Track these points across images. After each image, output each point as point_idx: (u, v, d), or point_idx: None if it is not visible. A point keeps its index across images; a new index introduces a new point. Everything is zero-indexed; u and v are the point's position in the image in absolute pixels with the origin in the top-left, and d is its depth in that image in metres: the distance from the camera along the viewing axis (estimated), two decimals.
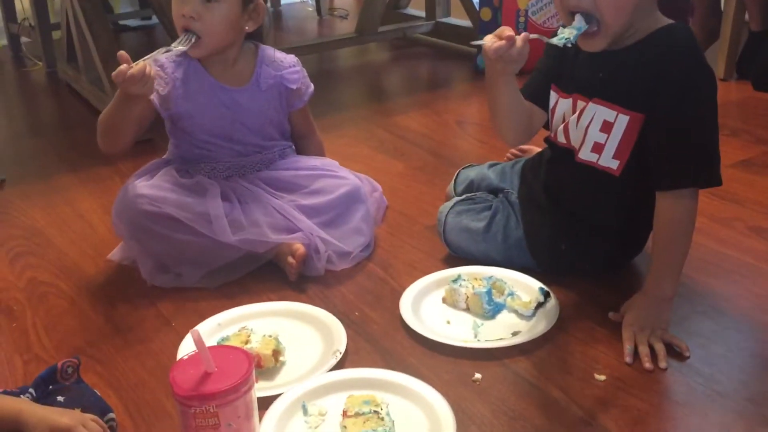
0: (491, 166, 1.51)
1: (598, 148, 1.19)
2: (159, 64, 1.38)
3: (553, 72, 1.26)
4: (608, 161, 1.19)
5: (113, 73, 1.24)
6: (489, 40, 1.10)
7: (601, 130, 1.18)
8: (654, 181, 1.14)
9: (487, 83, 1.22)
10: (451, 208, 1.39)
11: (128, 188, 1.35)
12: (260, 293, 1.32)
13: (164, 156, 1.49)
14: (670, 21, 1.14)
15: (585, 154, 1.21)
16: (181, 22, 1.35)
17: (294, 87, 1.47)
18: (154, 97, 1.37)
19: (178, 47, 1.33)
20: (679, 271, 1.15)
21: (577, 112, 1.20)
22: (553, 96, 1.25)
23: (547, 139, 1.31)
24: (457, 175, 1.56)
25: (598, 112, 1.17)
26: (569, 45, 1.12)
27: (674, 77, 1.09)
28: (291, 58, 1.49)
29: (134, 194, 1.32)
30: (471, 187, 1.50)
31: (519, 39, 1.10)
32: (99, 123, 1.37)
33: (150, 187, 1.34)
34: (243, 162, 1.46)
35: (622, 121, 1.15)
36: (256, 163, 1.47)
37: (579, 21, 1.10)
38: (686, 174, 1.12)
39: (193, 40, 1.34)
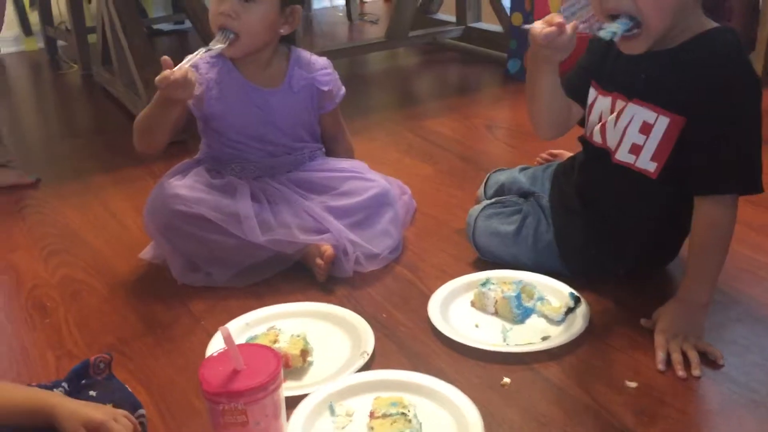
0: (522, 169, 1.50)
1: (636, 149, 1.18)
2: (193, 64, 1.39)
3: (594, 68, 1.25)
4: (646, 163, 1.17)
5: (157, 78, 1.25)
6: (539, 26, 1.12)
7: (641, 131, 1.16)
8: (693, 185, 1.13)
9: (529, 71, 1.23)
10: (480, 212, 1.38)
11: (162, 187, 1.37)
12: (288, 294, 1.32)
13: (196, 156, 1.50)
14: (716, 24, 1.12)
15: (622, 155, 1.20)
16: (218, 21, 1.36)
17: (326, 89, 1.47)
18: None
19: (216, 45, 1.35)
20: (715, 278, 1.13)
21: (616, 112, 1.19)
22: (592, 93, 1.24)
23: (581, 138, 1.30)
24: (488, 178, 1.55)
25: (637, 113, 1.16)
26: (615, 39, 1.11)
27: (718, 82, 1.08)
28: (323, 61, 1.50)
29: (168, 194, 1.34)
30: (501, 190, 1.49)
31: (569, 27, 1.11)
32: (135, 125, 1.39)
33: (182, 187, 1.35)
34: (273, 162, 1.46)
35: (662, 123, 1.14)
36: (286, 164, 1.47)
37: (624, 18, 1.10)
38: (725, 180, 1.11)
39: (231, 37, 1.35)
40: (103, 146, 2.21)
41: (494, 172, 1.55)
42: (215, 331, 1.18)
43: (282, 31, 1.42)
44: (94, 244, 1.57)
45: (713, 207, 1.11)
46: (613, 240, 1.25)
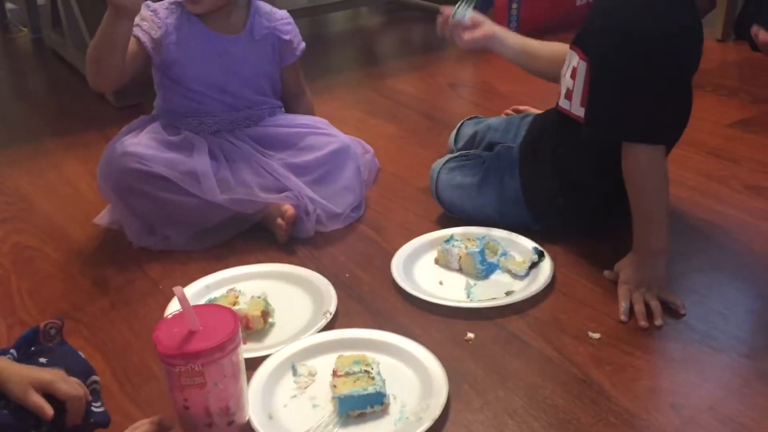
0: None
1: (569, 94, 1.19)
2: (152, 9, 1.35)
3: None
4: (577, 109, 1.18)
5: None
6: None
7: (571, 76, 1.18)
8: (591, 129, 1.13)
9: None
10: (443, 165, 1.37)
11: (114, 147, 1.32)
12: (249, 255, 1.30)
13: (152, 113, 1.45)
14: None
15: (562, 101, 1.21)
16: None
17: (287, 38, 1.44)
18: (146, 40, 1.34)
19: None
20: (663, 225, 1.10)
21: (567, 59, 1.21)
22: None
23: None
24: (460, 127, 1.52)
25: (571, 57, 1.19)
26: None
27: (623, 30, 1.07)
28: (283, 12, 1.48)
29: (121, 152, 1.29)
30: (472, 142, 1.48)
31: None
32: (88, 55, 1.30)
33: (137, 144, 1.31)
34: (232, 117, 1.43)
35: (582, 68, 1.15)
36: (245, 118, 1.44)
37: None
38: (615, 126, 1.10)
39: None
40: (55, 110, 2.14)
41: (467, 121, 1.53)
42: (173, 294, 1.14)
43: None
44: (47, 210, 1.52)
45: (630, 156, 1.10)
46: (577, 190, 1.24)
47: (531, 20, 2.51)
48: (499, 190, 1.31)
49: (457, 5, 1.31)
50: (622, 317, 1.07)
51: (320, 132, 1.42)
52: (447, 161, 1.37)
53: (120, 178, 1.30)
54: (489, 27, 1.33)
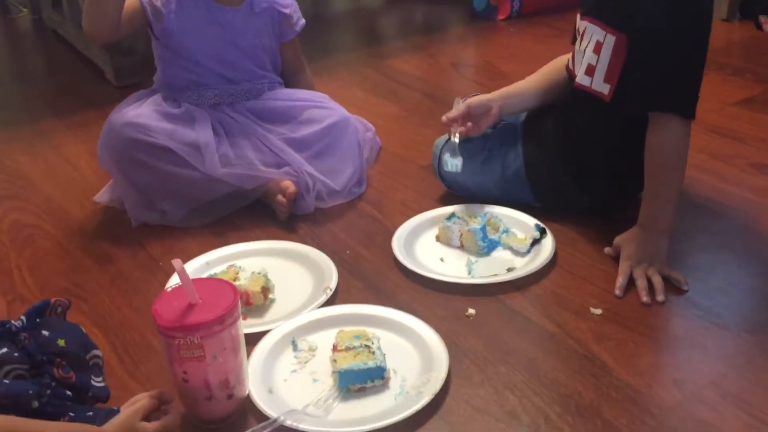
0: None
1: (590, 70, 1.16)
2: None
3: None
4: (600, 85, 1.15)
5: None
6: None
7: (594, 51, 1.15)
8: (628, 104, 1.11)
9: None
10: (447, 142, 1.35)
11: (116, 117, 1.31)
12: (249, 231, 1.29)
13: (151, 87, 1.44)
14: None
15: (580, 78, 1.18)
16: None
17: (286, 11, 1.44)
18: (147, 5, 1.33)
19: None
20: (674, 204, 1.10)
21: (581, 33, 1.18)
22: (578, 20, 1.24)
23: (567, 66, 1.28)
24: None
25: (592, 32, 1.15)
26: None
27: (661, 4, 1.05)
28: None
29: (122, 123, 1.28)
30: None
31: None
32: (84, 4, 1.29)
33: (138, 115, 1.30)
34: (232, 90, 1.42)
35: (609, 42, 1.12)
36: (244, 92, 1.43)
37: None
38: (657, 98, 1.08)
39: None
40: (55, 90, 2.12)
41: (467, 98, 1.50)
42: (173, 270, 1.14)
43: None
44: (46, 188, 1.51)
45: (660, 130, 1.08)
46: (582, 168, 1.23)
47: (533, 1, 2.48)
48: (502, 167, 1.30)
49: (444, 147, 1.32)
50: (617, 292, 1.07)
51: (319, 105, 1.42)
52: (447, 142, 1.36)
53: (121, 148, 1.29)
54: (494, 110, 1.28)
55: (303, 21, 1.49)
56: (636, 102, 1.10)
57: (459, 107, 1.30)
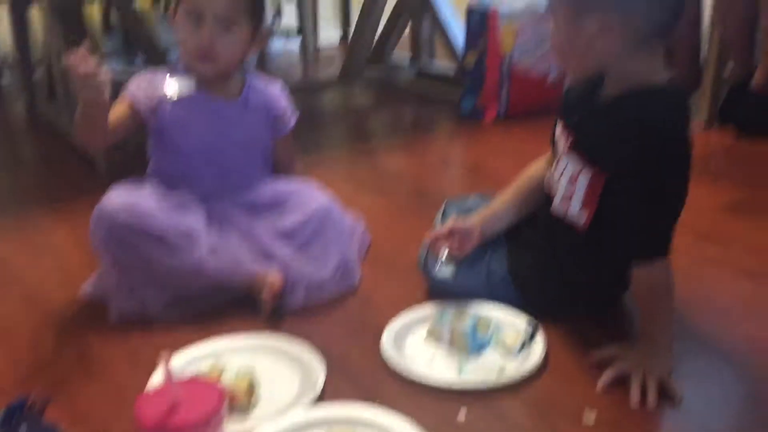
0: (484, 197, 1.48)
1: (566, 200, 1.17)
2: (150, 73, 1.38)
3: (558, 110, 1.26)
4: (576, 215, 1.15)
5: (66, 62, 1.16)
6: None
7: (570, 181, 1.15)
8: (606, 246, 1.13)
9: None
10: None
11: (109, 198, 1.30)
12: (234, 326, 1.26)
13: (144, 176, 1.45)
14: (663, 76, 1.09)
15: (556, 205, 1.19)
16: (195, 51, 1.35)
17: (281, 108, 1.48)
18: (142, 104, 1.36)
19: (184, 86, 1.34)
20: (669, 323, 1.10)
21: (557, 159, 1.20)
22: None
23: (545, 183, 1.29)
24: (445, 206, 1.52)
25: (568, 161, 1.15)
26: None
27: (641, 151, 1.05)
28: (277, 84, 1.52)
29: (115, 204, 1.28)
30: None
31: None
32: (75, 116, 1.31)
33: (132, 197, 1.30)
34: (223, 184, 1.43)
35: (585, 175, 1.12)
36: (235, 186, 1.44)
37: None
38: (637, 249, 1.10)
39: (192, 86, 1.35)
40: (46, 179, 2.13)
41: (450, 200, 1.52)
42: (155, 367, 1.11)
43: (252, 52, 1.44)
44: (30, 277, 1.49)
45: (643, 270, 1.10)
46: (566, 275, 1.23)
47: (519, 104, 2.56)
48: (488, 272, 1.30)
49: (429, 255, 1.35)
50: (598, 387, 1.05)
51: (304, 191, 1.43)
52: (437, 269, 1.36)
53: (111, 229, 1.27)
54: (475, 234, 1.30)
55: (295, 117, 1.53)
56: (615, 250, 1.12)
57: (442, 226, 1.32)
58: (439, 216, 1.51)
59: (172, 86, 1.37)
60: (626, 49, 1.07)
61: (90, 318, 1.32)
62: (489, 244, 1.32)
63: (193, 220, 1.31)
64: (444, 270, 1.31)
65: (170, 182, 1.40)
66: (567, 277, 1.23)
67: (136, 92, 1.37)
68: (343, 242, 1.40)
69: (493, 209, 1.33)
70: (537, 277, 1.26)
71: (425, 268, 1.36)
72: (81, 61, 1.15)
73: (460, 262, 1.31)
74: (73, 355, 1.21)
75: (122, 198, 1.29)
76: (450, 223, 1.31)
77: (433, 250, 1.33)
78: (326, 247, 1.37)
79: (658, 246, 1.09)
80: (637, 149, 1.05)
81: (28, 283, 1.47)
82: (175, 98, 1.35)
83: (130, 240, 1.27)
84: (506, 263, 1.29)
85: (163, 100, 1.38)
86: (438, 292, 1.35)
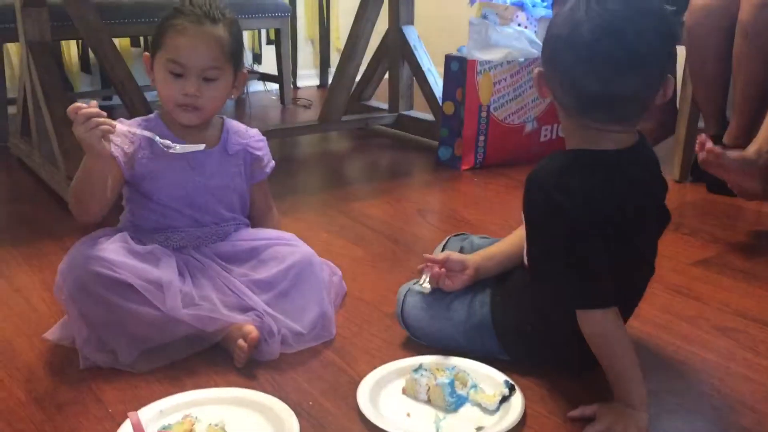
0: (488, 238, 1.48)
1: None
2: (127, 124, 1.35)
3: None
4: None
5: (69, 107, 1.20)
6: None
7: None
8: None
9: None
10: (410, 287, 1.35)
11: (81, 247, 1.27)
12: (206, 377, 1.23)
13: (117, 226, 1.42)
14: (605, 146, 1.10)
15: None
16: (179, 101, 1.34)
17: (258, 155, 1.47)
18: (119, 155, 1.33)
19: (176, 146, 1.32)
20: (635, 377, 1.08)
21: None
22: None
23: None
24: (448, 240, 1.49)
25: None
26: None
27: (526, 203, 1.13)
28: (255, 130, 1.51)
29: (85, 255, 1.24)
30: None
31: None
32: (70, 189, 1.32)
33: (103, 249, 1.26)
34: (199, 233, 1.41)
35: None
36: (211, 234, 1.42)
37: None
38: (559, 299, 1.15)
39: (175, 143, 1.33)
40: (14, 218, 2.08)
41: (453, 237, 1.50)
42: (124, 418, 1.07)
43: (231, 96, 1.44)
44: None
45: (582, 321, 1.10)
46: (548, 322, 1.22)
47: (496, 153, 2.58)
48: (468, 313, 1.29)
49: (408, 293, 1.36)
50: None
51: (283, 243, 1.41)
52: (414, 283, 1.36)
53: (81, 281, 1.24)
54: (469, 270, 1.31)
55: (273, 163, 1.52)
56: (546, 299, 1.18)
57: (438, 254, 1.33)
58: (439, 248, 1.50)
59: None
60: (566, 120, 1.13)
61: (56, 367, 1.27)
62: (474, 285, 1.31)
63: (164, 270, 1.28)
64: (419, 288, 1.33)
65: (145, 233, 1.38)
66: (537, 326, 1.22)
67: (113, 140, 1.34)
68: (322, 296, 1.37)
69: (492, 252, 1.34)
70: (515, 318, 1.25)
71: (401, 313, 1.34)
72: (82, 106, 1.19)
73: (439, 299, 1.31)
74: (36, 403, 1.17)
75: (90, 249, 1.26)
76: (447, 253, 1.32)
77: (420, 270, 1.35)
78: (305, 301, 1.34)
79: (579, 296, 1.10)
80: (523, 201, 1.13)
81: None
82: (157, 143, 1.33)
83: (99, 292, 1.23)
84: (488, 306, 1.28)
85: (138, 151, 1.36)
86: (414, 338, 1.33)
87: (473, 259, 1.31)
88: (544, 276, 1.16)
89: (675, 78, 2.54)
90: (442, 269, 1.30)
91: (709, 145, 1.72)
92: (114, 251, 1.27)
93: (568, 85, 1.06)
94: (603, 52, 1.01)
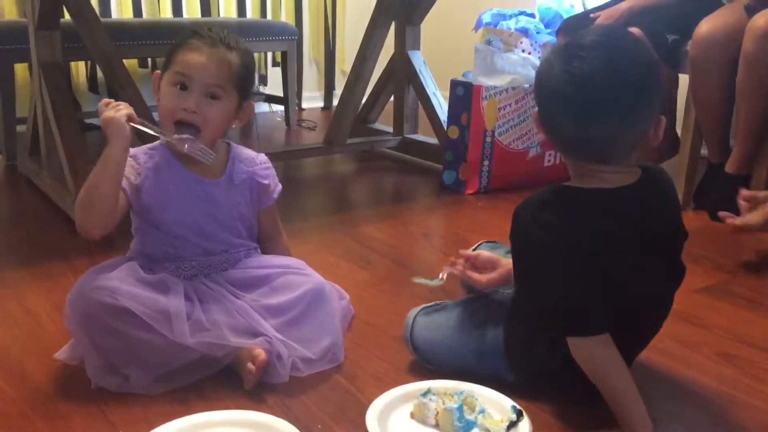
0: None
1: None
2: (131, 154, 1.36)
3: None
4: None
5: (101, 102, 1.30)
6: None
7: None
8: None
9: None
10: (421, 309, 1.38)
11: (88, 277, 1.28)
12: (217, 400, 1.24)
13: (127, 254, 1.43)
14: (584, 183, 1.13)
15: None
16: (179, 115, 1.34)
17: (265, 182, 1.48)
18: (126, 185, 1.34)
19: (184, 136, 1.34)
20: (635, 403, 1.09)
21: None
22: None
23: None
24: (478, 245, 1.49)
25: None
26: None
27: (512, 238, 1.16)
28: (262, 156, 1.51)
29: (94, 285, 1.25)
30: None
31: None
32: (78, 198, 1.31)
33: (110, 278, 1.27)
34: (209, 261, 1.42)
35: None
36: (221, 262, 1.43)
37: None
38: (542, 323, 1.18)
39: (192, 137, 1.34)
40: (22, 238, 2.10)
41: (485, 243, 1.50)
42: None
43: (234, 125, 1.43)
44: (4, 341, 1.45)
45: (572, 347, 1.12)
46: (556, 345, 1.23)
47: (501, 177, 2.60)
48: (479, 333, 1.30)
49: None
50: None
51: (295, 272, 1.42)
52: (424, 307, 1.38)
53: (88, 310, 1.25)
54: (501, 268, 1.32)
55: (280, 187, 1.53)
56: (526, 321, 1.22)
57: (468, 251, 1.38)
58: (469, 251, 1.51)
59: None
60: (562, 154, 1.19)
61: (66, 387, 1.28)
62: (492, 308, 1.32)
63: (172, 298, 1.28)
64: (425, 281, 1.36)
65: (155, 263, 1.39)
66: (545, 350, 1.23)
67: None
68: (334, 325, 1.38)
69: None
70: (527, 339, 1.25)
71: (411, 339, 1.35)
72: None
73: (452, 318, 1.34)
74: (47, 425, 1.18)
75: (96, 279, 1.27)
76: (480, 251, 1.36)
77: (447, 264, 1.37)
78: (316, 330, 1.35)
79: (564, 324, 1.12)
80: (512, 235, 1.16)
81: (2, 347, 1.43)
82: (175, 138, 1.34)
83: (106, 321, 1.24)
84: (502, 326, 1.29)
85: (145, 182, 1.37)
86: (422, 361, 1.35)
87: (507, 261, 1.31)
88: (531, 304, 1.19)
89: (675, 100, 2.58)
90: (465, 264, 1.34)
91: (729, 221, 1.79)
92: (120, 280, 1.28)
93: (549, 126, 1.13)
94: (571, 97, 1.06)
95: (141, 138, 1.42)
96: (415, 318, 1.36)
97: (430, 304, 1.40)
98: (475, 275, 1.33)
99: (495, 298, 1.35)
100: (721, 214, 1.81)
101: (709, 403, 1.28)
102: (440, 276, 1.36)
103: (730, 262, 1.96)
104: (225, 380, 1.29)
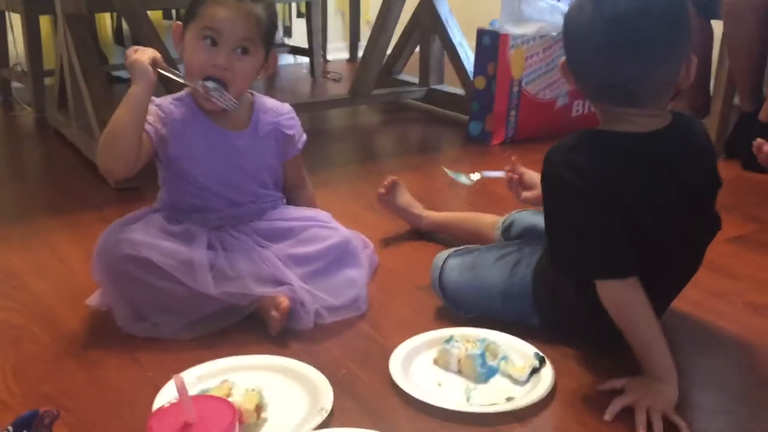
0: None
1: None
2: (157, 103, 1.37)
3: None
4: None
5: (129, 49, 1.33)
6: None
7: None
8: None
9: None
10: (453, 251, 1.39)
11: (112, 230, 1.31)
12: (243, 345, 1.26)
13: (153, 206, 1.45)
14: (614, 128, 1.13)
15: None
16: (209, 71, 1.34)
17: (290, 132, 1.47)
18: (152, 133, 1.34)
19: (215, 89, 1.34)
20: (660, 349, 1.09)
21: None
22: None
23: None
24: (511, 222, 1.51)
25: None
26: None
27: (541, 179, 1.17)
28: (286, 106, 1.51)
29: (118, 237, 1.28)
30: (524, 235, 1.47)
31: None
32: (102, 138, 1.31)
33: (134, 231, 1.29)
34: (236, 212, 1.43)
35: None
36: (248, 213, 1.44)
37: None
38: (567, 267, 1.18)
39: (224, 91, 1.35)
40: (53, 189, 2.13)
41: (519, 213, 1.51)
42: (164, 383, 1.11)
43: (259, 77, 1.43)
44: (38, 288, 1.49)
45: (600, 291, 1.11)
46: (581, 288, 1.23)
47: (527, 128, 2.57)
48: (510, 274, 1.31)
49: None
50: (607, 416, 1.06)
51: (322, 225, 1.42)
52: (455, 250, 1.39)
53: (113, 262, 1.27)
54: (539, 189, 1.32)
55: (305, 137, 1.53)
56: (555, 266, 1.23)
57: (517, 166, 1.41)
58: (498, 231, 1.54)
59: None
60: (592, 104, 1.19)
61: (97, 332, 1.32)
62: (524, 248, 1.34)
63: (195, 250, 1.30)
64: (461, 177, 1.42)
65: (182, 214, 1.40)
66: (572, 297, 1.23)
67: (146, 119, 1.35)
68: (360, 277, 1.39)
69: None
70: (551, 292, 1.26)
71: (439, 281, 1.37)
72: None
73: (489, 252, 1.37)
74: (80, 368, 1.21)
75: (120, 232, 1.29)
76: (523, 171, 1.39)
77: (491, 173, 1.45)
78: (341, 282, 1.36)
79: (593, 267, 1.11)
80: (541, 174, 1.18)
81: (36, 294, 1.47)
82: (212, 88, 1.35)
83: (131, 272, 1.26)
84: (531, 270, 1.29)
85: (171, 132, 1.37)
86: (448, 304, 1.36)
87: None
88: (560, 248, 1.18)
89: (711, 55, 2.51)
90: (505, 173, 1.39)
91: (766, 147, 1.71)
92: (144, 232, 1.29)
93: (579, 72, 1.13)
94: (603, 38, 1.06)
95: (166, 86, 1.42)
96: (446, 260, 1.37)
97: (460, 247, 1.41)
98: (523, 192, 1.36)
99: (528, 244, 1.36)
100: (758, 141, 1.76)
101: (736, 354, 1.27)
102: (471, 177, 1.37)
103: (762, 212, 1.93)
104: (251, 327, 1.31)
